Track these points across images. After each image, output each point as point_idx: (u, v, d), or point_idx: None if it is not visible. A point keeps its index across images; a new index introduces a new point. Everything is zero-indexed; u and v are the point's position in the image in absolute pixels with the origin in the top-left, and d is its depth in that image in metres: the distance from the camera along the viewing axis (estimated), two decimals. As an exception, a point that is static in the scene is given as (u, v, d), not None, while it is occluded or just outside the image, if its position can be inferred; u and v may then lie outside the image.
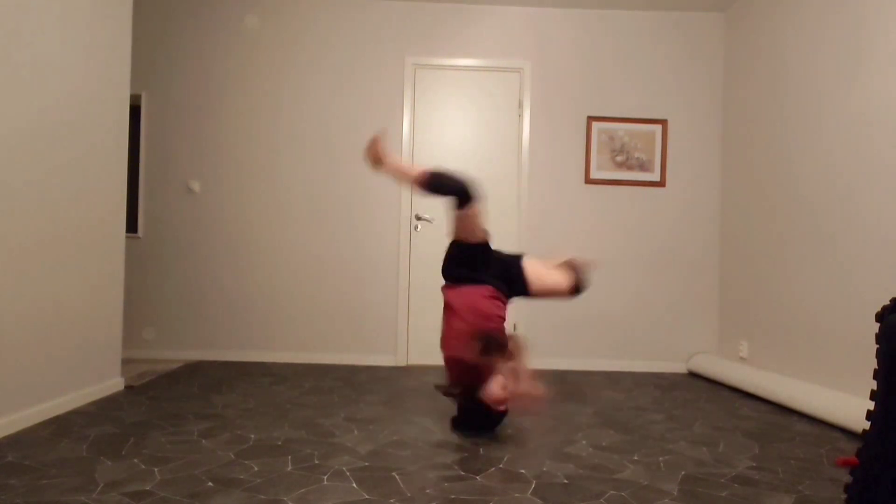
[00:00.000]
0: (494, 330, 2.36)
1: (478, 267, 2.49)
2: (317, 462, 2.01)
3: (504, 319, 2.45)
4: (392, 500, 1.68)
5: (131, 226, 4.56)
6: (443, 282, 2.63)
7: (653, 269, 4.22)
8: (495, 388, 2.33)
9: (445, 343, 2.42)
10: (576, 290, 2.59)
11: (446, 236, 2.56)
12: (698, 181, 4.24)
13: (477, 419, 2.41)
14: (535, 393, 2.42)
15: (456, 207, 2.40)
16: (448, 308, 2.47)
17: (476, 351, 2.29)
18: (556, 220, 4.20)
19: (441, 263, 2.60)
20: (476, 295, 2.42)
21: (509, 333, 2.46)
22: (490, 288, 2.45)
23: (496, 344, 2.31)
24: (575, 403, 3.03)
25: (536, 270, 2.57)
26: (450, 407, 2.87)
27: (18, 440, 2.17)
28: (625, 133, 4.21)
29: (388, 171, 2.56)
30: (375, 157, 2.55)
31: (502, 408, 2.39)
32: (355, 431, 2.41)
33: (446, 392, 2.46)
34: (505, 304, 2.50)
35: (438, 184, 2.39)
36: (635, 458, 2.16)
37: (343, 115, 4.18)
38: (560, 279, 2.57)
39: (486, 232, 2.50)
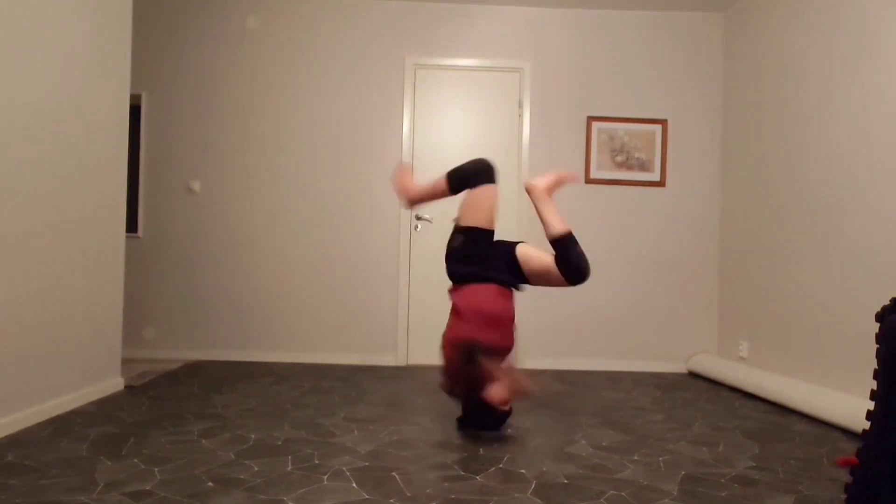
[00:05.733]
0: (474, 341, 2.29)
1: (482, 261, 2.47)
2: (317, 462, 2.01)
3: (511, 316, 2.43)
4: (392, 500, 1.68)
5: (131, 226, 4.56)
6: (448, 284, 2.64)
7: (653, 269, 4.22)
8: (496, 390, 2.30)
9: (444, 348, 2.41)
10: (569, 273, 2.38)
11: (452, 221, 2.62)
12: (698, 181, 4.24)
13: (481, 418, 2.41)
14: (524, 389, 2.35)
15: (473, 185, 2.46)
16: (454, 311, 2.45)
17: (460, 361, 2.28)
18: (556, 220, 4.20)
19: (445, 264, 2.60)
20: (482, 295, 2.41)
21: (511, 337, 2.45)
22: (495, 286, 2.44)
23: (478, 354, 2.26)
24: (575, 403, 3.03)
25: (526, 253, 2.48)
26: (451, 407, 2.87)
27: (18, 440, 2.17)
28: (625, 133, 4.21)
29: (418, 198, 2.65)
30: (403, 190, 2.66)
31: (506, 408, 2.38)
32: (355, 431, 2.41)
33: (449, 392, 2.45)
34: (511, 296, 2.49)
35: (460, 173, 2.50)
36: (635, 458, 2.16)
37: (343, 115, 4.18)
38: (547, 260, 2.43)
39: (494, 220, 2.51)
